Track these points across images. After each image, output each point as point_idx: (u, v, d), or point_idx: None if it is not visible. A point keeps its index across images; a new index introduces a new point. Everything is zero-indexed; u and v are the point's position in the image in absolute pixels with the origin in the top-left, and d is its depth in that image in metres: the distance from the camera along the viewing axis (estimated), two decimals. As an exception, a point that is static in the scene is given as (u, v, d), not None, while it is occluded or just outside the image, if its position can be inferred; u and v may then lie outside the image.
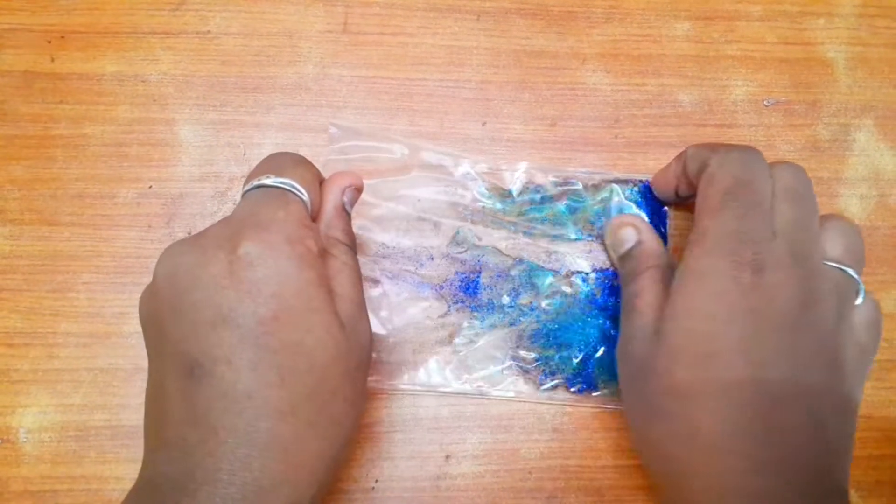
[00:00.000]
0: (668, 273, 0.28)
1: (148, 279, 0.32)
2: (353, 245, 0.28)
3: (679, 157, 0.30)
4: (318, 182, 0.28)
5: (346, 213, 0.28)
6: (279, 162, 0.27)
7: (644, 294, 0.28)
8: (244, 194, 0.26)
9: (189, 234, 0.33)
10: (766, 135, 0.35)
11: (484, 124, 0.35)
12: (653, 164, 0.34)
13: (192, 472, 0.21)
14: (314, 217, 0.27)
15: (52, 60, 0.35)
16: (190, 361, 0.22)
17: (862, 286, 0.26)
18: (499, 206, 0.33)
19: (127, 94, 0.34)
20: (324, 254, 0.26)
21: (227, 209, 0.33)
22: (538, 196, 0.33)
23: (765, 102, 0.36)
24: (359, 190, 0.29)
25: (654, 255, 0.30)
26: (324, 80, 0.35)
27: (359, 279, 0.27)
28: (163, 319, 0.23)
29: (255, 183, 0.25)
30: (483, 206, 0.33)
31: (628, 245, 0.30)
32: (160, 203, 0.33)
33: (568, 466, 0.31)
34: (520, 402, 0.32)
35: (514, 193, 0.33)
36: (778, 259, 0.25)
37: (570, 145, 0.35)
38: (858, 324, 0.26)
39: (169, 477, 0.21)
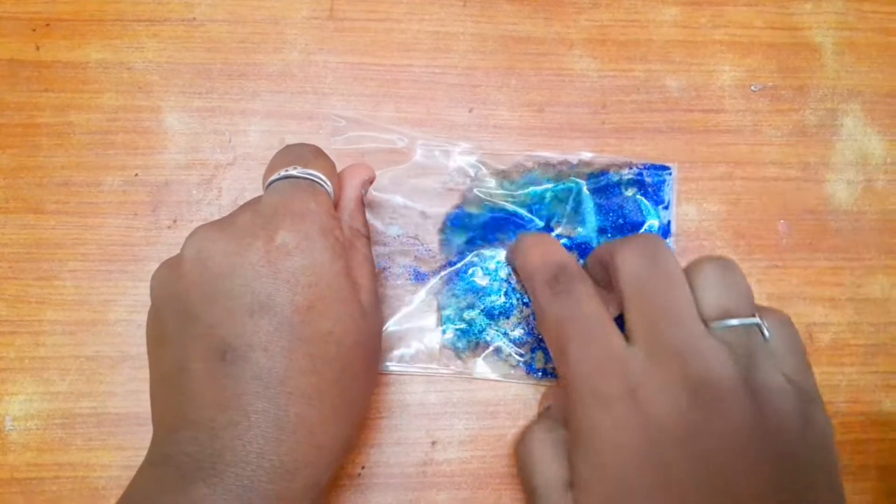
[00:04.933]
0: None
1: (134, 267, 0.32)
2: (369, 236, 0.28)
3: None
4: (336, 173, 0.28)
5: (363, 205, 0.29)
6: (301, 153, 0.27)
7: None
8: (269, 184, 0.26)
9: (175, 222, 0.33)
10: (753, 120, 0.35)
11: (471, 111, 0.35)
12: (640, 150, 0.34)
13: (220, 454, 0.21)
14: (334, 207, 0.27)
15: (37, 48, 0.35)
16: (222, 345, 0.22)
17: (759, 322, 0.24)
18: (499, 190, 0.33)
19: (112, 82, 0.34)
20: (346, 244, 0.26)
21: (212, 196, 0.33)
22: (537, 178, 0.33)
23: (752, 88, 0.35)
24: (372, 182, 0.29)
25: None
26: (309, 67, 0.35)
27: (374, 269, 0.28)
28: (190, 302, 0.23)
29: (283, 173, 0.26)
30: (482, 192, 0.33)
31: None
32: (146, 191, 0.33)
33: (554, 452, 0.31)
34: (507, 387, 0.32)
35: (514, 176, 0.33)
36: (643, 374, 0.23)
37: (558, 131, 0.35)
38: (779, 361, 0.23)
39: (194, 457, 0.22)
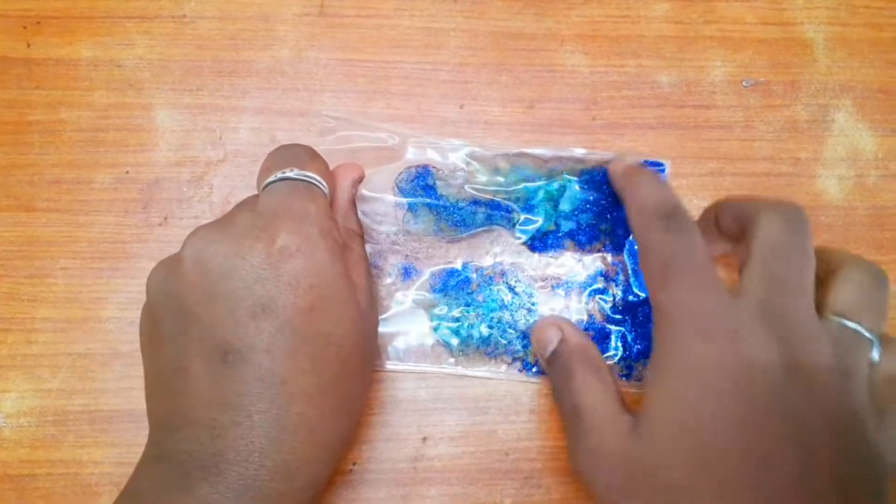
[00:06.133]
0: (601, 366, 0.27)
1: (125, 264, 0.32)
2: (363, 236, 0.29)
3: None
4: (330, 175, 0.28)
5: (355, 205, 0.29)
6: (296, 154, 0.27)
7: (585, 397, 0.26)
8: (266, 186, 0.26)
9: (165, 219, 0.33)
10: (745, 115, 0.35)
11: (461, 107, 0.35)
12: (631, 146, 0.34)
13: (222, 453, 0.22)
14: None
15: (28, 46, 0.35)
16: (224, 346, 0.23)
17: (875, 341, 0.23)
18: (491, 186, 0.33)
19: (103, 80, 0.34)
20: (342, 245, 0.26)
21: (203, 194, 0.33)
22: (529, 175, 0.33)
23: (743, 83, 0.35)
24: (361, 180, 0.30)
25: (581, 349, 0.27)
26: (300, 64, 0.35)
27: (370, 269, 0.28)
28: (191, 303, 0.23)
29: (280, 175, 0.26)
30: (474, 188, 0.33)
31: (552, 346, 0.28)
32: (137, 188, 0.33)
33: (545, 448, 0.31)
34: (498, 383, 0.32)
35: (506, 173, 0.33)
36: (749, 326, 0.23)
37: (548, 127, 0.35)
38: (879, 381, 0.23)
39: (195, 456, 0.22)
